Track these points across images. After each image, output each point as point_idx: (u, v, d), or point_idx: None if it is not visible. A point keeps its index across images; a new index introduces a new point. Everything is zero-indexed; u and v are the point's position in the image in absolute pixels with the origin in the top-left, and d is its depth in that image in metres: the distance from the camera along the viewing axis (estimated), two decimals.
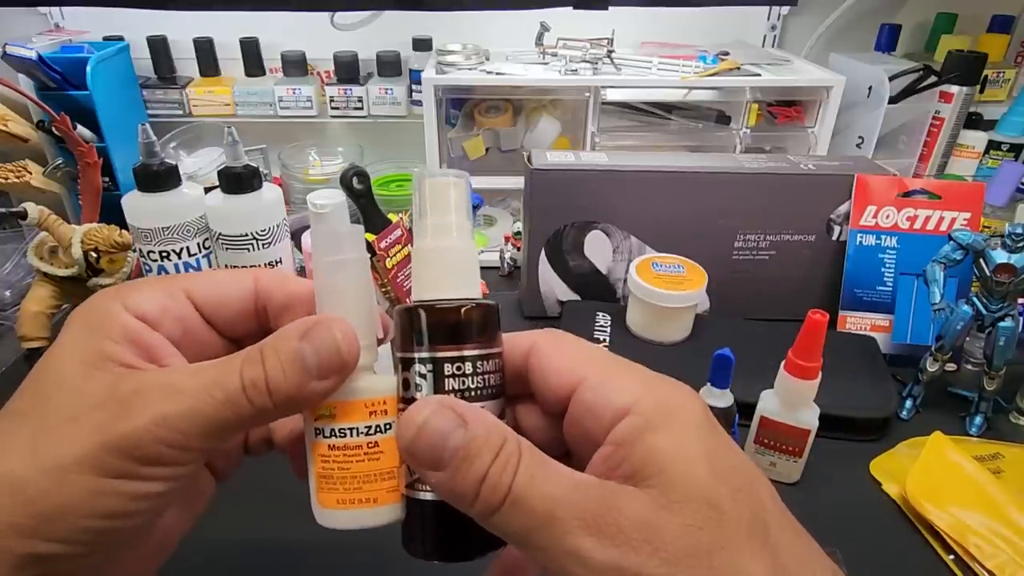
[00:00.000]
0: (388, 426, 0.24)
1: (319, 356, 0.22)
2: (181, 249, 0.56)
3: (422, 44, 0.94)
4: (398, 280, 0.62)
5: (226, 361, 0.22)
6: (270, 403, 0.22)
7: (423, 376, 0.23)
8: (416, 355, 0.23)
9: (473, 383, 0.23)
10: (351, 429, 0.24)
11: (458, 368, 0.23)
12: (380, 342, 0.26)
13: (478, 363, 0.23)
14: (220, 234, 0.56)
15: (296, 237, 0.61)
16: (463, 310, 0.23)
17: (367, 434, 0.24)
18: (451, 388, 0.23)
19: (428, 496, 0.23)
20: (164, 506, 0.23)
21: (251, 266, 0.57)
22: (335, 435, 0.24)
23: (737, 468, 0.21)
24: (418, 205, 0.24)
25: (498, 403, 0.24)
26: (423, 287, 0.24)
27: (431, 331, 0.23)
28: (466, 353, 0.23)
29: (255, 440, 0.28)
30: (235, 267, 0.57)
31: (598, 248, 0.68)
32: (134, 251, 0.59)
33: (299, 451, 0.26)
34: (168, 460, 0.22)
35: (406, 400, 0.23)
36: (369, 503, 0.24)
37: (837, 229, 0.67)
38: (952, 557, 0.45)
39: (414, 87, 0.92)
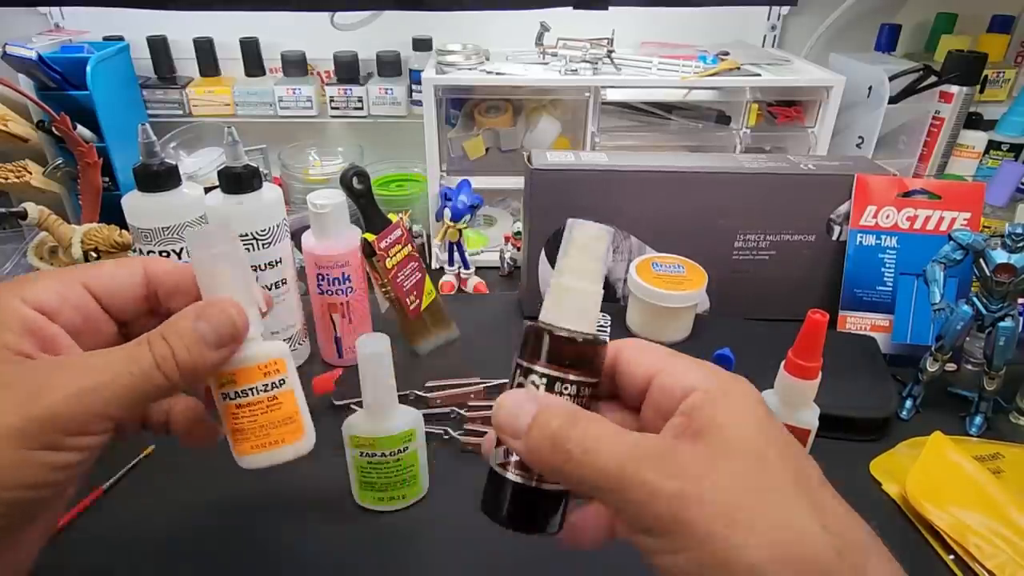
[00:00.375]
0: (282, 381, 0.30)
1: (216, 332, 0.27)
2: (181, 249, 0.56)
3: (422, 44, 0.94)
4: (398, 280, 0.62)
5: (134, 344, 0.26)
6: (178, 374, 0.26)
7: (537, 385, 0.27)
8: (537, 367, 0.27)
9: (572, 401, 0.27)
10: (251, 389, 0.30)
11: (565, 388, 0.27)
12: (263, 315, 0.31)
13: (581, 388, 0.27)
14: None
15: (296, 237, 0.61)
16: (585, 344, 0.27)
17: (266, 391, 0.30)
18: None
19: (512, 477, 0.27)
20: (75, 478, 0.26)
21: (251, 266, 0.57)
22: (239, 396, 0.30)
23: (783, 438, 0.24)
24: (565, 245, 0.29)
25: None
26: (557, 316, 0.28)
27: (554, 354, 0.27)
28: (571, 377, 0.27)
29: (156, 421, 0.32)
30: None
31: None
32: (134, 251, 0.59)
33: (191, 425, 0.31)
34: (89, 430, 0.24)
35: None
36: (277, 444, 0.31)
37: (837, 229, 0.67)
38: (952, 557, 0.45)
39: (414, 87, 0.92)
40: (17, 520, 0.25)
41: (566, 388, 0.27)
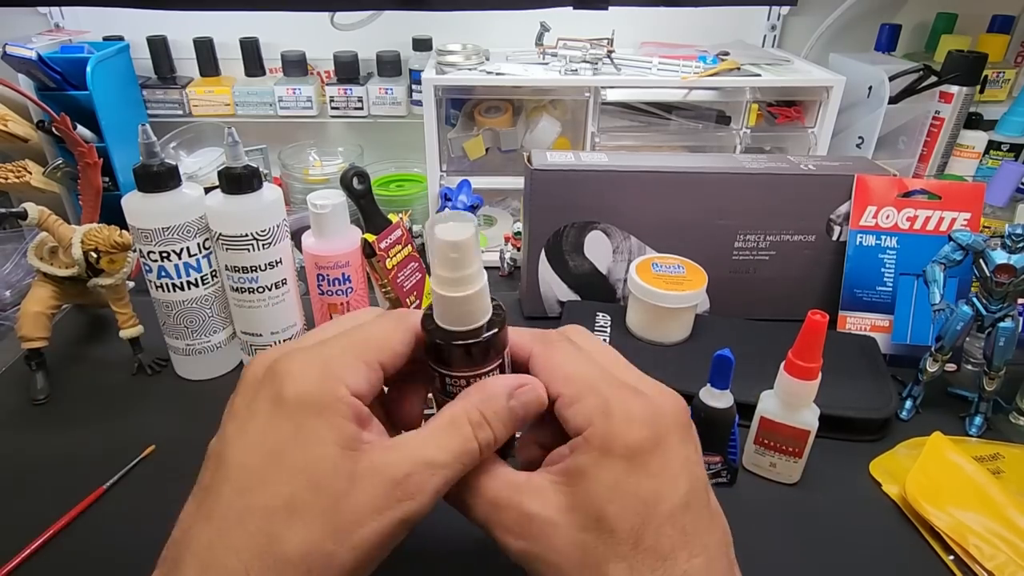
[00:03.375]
0: None
1: (526, 409, 0.29)
2: (181, 249, 0.56)
3: (422, 44, 0.94)
4: (398, 280, 0.62)
5: (455, 427, 0.28)
6: (490, 451, 0.29)
7: (441, 385, 0.30)
8: (439, 370, 0.30)
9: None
10: None
11: (458, 383, 0.30)
12: None
13: (471, 380, 0.29)
14: (220, 234, 0.56)
15: (296, 237, 0.61)
16: (462, 346, 0.29)
17: None
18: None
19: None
20: None
21: (251, 267, 0.57)
22: None
23: (641, 492, 0.26)
24: (431, 254, 0.28)
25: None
26: (443, 320, 0.29)
27: (440, 355, 0.29)
28: (458, 374, 0.29)
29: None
30: (236, 267, 0.57)
31: (598, 248, 0.68)
32: (134, 251, 0.59)
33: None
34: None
35: (446, 395, 0.30)
36: None
37: (837, 229, 0.67)
38: (952, 558, 0.45)
39: (414, 87, 0.92)
40: None
41: (458, 383, 0.29)
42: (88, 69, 0.78)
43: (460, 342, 0.28)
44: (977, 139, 0.89)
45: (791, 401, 0.48)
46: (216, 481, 0.25)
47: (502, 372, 0.30)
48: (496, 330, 0.29)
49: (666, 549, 0.25)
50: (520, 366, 0.31)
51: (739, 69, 0.82)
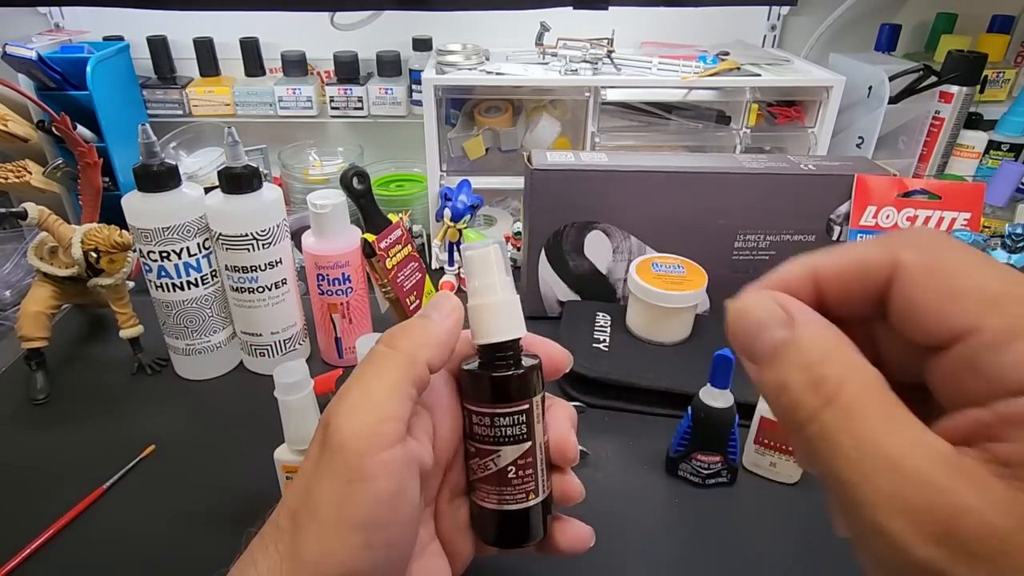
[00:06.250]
0: None
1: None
2: (181, 249, 0.56)
3: (422, 44, 0.94)
4: (398, 280, 0.62)
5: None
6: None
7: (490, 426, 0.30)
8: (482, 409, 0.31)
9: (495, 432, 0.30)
10: None
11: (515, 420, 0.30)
12: None
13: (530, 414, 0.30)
14: (220, 234, 0.56)
15: (296, 237, 0.61)
16: (499, 379, 0.30)
17: None
18: (477, 432, 0.31)
19: (480, 503, 0.32)
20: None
21: (251, 266, 0.57)
22: None
23: None
24: (465, 271, 0.31)
25: (525, 446, 0.30)
26: (479, 333, 0.30)
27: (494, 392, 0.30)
28: (495, 410, 0.30)
29: None
30: (236, 267, 0.57)
31: (598, 248, 0.68)
32: (134, 251, 0.59)
33: None
34: None
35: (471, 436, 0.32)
36: None
37: (837, 229, 0.67)
38: None
39: (414, 87, 0.92)
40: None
41: (515, 420, 0.30)
42: (88, 69, 0.78)
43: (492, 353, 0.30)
44: (977, 139, 0.89)
45: None
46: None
47: (523, 421, 0.30)
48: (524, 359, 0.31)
49: None
50: (867, 297, 0.19)
51: (739, 69, 0.82)
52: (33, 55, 0.74)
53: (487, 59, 0.84)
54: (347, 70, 0.92)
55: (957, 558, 0.14)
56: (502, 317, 0.29)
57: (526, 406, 0.30)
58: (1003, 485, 0.15)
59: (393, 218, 0.62)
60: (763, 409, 0.49)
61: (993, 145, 0.89)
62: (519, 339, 0.30)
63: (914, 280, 0.17)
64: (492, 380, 0.29)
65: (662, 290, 0.60)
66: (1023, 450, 0.15)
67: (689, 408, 0.49)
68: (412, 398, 0.27)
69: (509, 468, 0.30)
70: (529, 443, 0.30)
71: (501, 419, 0.30)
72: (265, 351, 0.62)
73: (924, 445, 0.15)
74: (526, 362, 0.30)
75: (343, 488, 0.25)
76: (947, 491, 0.15)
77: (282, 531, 0.26)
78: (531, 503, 0.31)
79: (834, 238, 0.68)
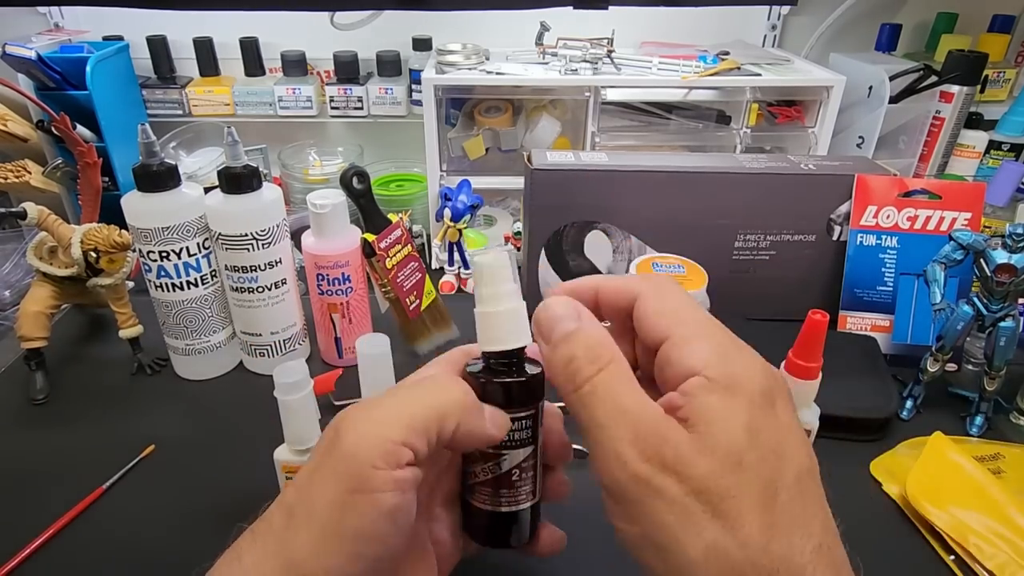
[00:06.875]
0: None
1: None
2: (181, 249, 0.56)
3: (422, 44, 0.94)
4: (398, 280, 0.62)
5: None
6: None
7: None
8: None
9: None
10: None
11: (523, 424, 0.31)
12: None
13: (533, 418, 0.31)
14: (220, 234, 0.56)
15: (296, 237, 0.61)
16: (509, 386, 0.30)
17: None
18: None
19: (477, 504, 0.32)
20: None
21: (251, 266, 0.57)
22: None
23: (771, 442, 0.24)
24: (475, 279, 0.31)
25: (529, 450, 0.31)
26: (489, 341, 0.30)
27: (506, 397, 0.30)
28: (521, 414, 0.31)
29: None
30: (236, 267, 0.57)
31: (598, 248, 0.68)
32: (134, 251, 0.59)
33: None
34: None
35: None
36: None
37: (837, 229, 0.67)
38: (952, 557, 0.45)
39: (414, 87, 0.92)
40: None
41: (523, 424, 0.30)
42: (88, 69, 0.78)
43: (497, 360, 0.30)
44: (977, 139, 0.89)
45: None
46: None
47: (529, 425, 0.30)
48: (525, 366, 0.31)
49: (797, 511, 0.24)
50: (621, 310, 0.29)
51: (739, 69, 0.82)
52: (33, 55, 0.74)
53: (487, 59, 0.84)
54: (347, 70, 0.92)
55: (660, 472, 0.24)
56: (512, 325, 0.30)
57: (533, 411, 0.30)
58: (685, 431, 0.24)
59: (393, 218, 0.62)
60: None
61: (994, 145, 0.89)
62: (525, 346, 0.30)
63: (643, 303, 0.28)
64: (504, 386, 0.30)
65: None
66: (694, 410, 0.24)
67: None
68: (429, 435, 0.27)
69: (513, 471, 0.31)
70: (532, 447, 0.31)
71: (511, 424, 0.30)
72: (265, 351, 0.62)
73: (648, 405, 0.25)
74: (529, 368, 0.30)
75: (345, 497, 0.25)
76: (657, 432, 0.24)
77: (273, 527, 0.26)
78: (529, 504, 0.32)
79: (835, 238, 0.68)
